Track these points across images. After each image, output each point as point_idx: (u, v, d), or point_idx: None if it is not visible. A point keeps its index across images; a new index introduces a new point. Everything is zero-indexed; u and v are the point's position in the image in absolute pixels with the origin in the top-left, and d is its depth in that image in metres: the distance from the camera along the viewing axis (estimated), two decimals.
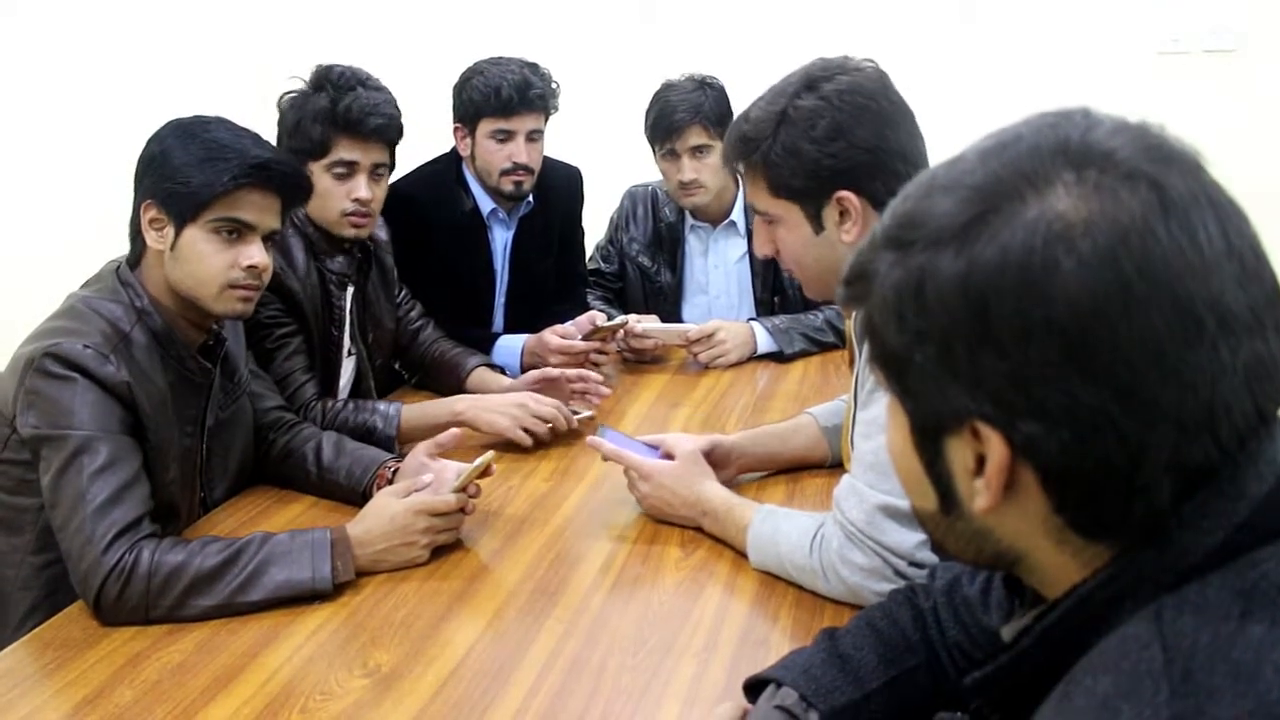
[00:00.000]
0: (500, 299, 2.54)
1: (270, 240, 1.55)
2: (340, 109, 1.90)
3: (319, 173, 1.93)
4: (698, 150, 2.43)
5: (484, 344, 2.35)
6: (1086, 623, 0.62)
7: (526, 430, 1.88)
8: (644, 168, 2.66)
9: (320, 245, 1.98)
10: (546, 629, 1.30)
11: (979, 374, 0.59)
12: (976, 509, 0.64)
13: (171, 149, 1.49)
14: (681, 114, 2.40)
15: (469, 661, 1.24)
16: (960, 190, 0.61)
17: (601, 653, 1.24)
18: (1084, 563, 0.63)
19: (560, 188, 2.56)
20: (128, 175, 1.55)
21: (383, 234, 2.20)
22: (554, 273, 2.60)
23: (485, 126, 2.32)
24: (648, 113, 2.47)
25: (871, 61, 1.34)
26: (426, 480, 1.53)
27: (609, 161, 3.47)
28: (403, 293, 2.29)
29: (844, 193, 1.29)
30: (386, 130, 1.96)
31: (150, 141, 1.53)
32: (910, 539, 1.22)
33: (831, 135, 1.27)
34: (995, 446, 0.60)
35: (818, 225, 1.32)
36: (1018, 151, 0.61)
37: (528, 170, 2.35)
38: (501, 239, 2.50)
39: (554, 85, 2.34)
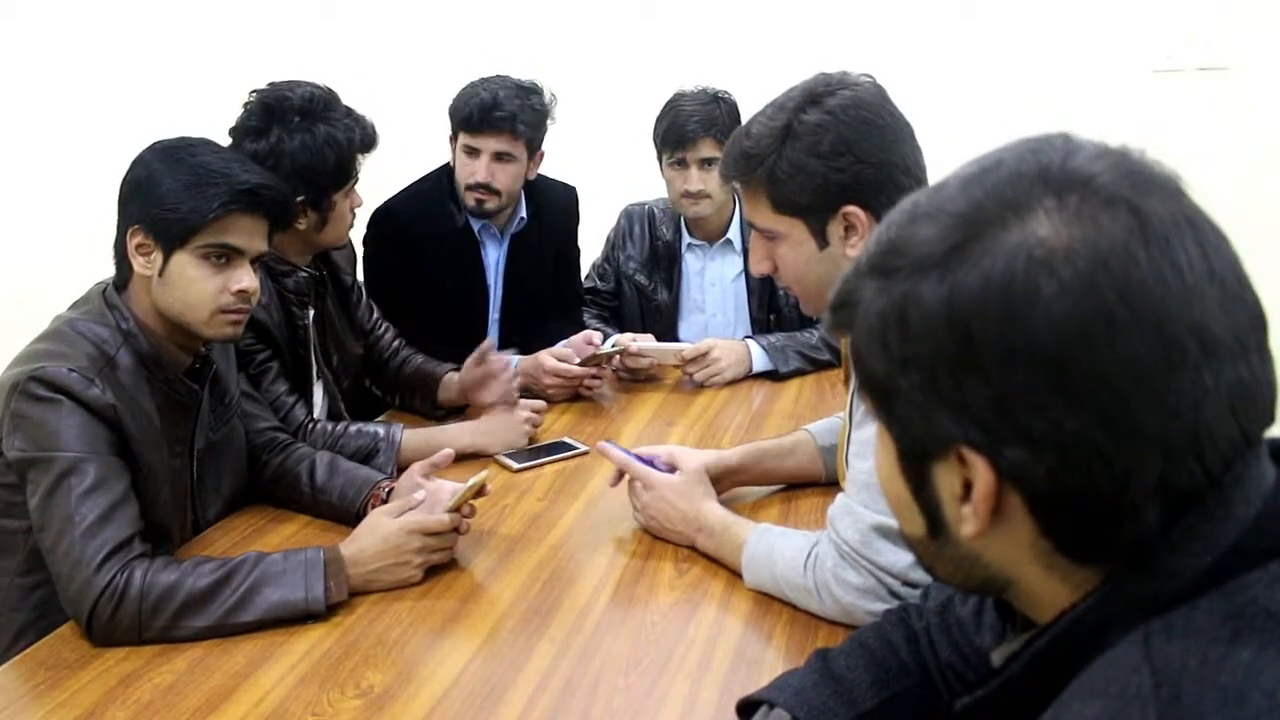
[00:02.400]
0: (494, 315, 2.55)
1: (257, 263, 1.55)
2: (369, 135, 1.92)
3: (340, 201, 1.94)
4: (707, 162, 2.44)
5: None
6: (1075, 647, 0.62)
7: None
8: (641, 168, 2.67)
9: (276, 266, 1.94)
10: (540, 649, 1.29)
11: (964, 400, 0.60)
12: (964, 534, 0.64)
13: (157, 174, 1.48)
14: (695, 125, 2.41)
15: (462, 682, 1.23)
16: (942, 217, 0.61)
17: (595, 672, 1.24)
18: (1073, 586, 0.63)
19: (556, 206, 2.57)
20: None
21: (340, 255, 2.18)
22: (550, 291, 2.60)
23: (460, 140, 2.38)
24: (659, 120, 2.48)
25: (869, 76, 1.34)
26: (419, 498, 1.53)
27: (606, 163, 3.50)
28: (374, 316, 2.27)
29: (850, 208, 1.28)
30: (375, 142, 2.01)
31: (134, 165, 1.52)
32: (904, 559, 1.22)
33: (838, 150, 1.27)
34: (981, 472, 0.61)
35: (822, 241, 1.32)
36: (999, 177, 0.61)
37: (488, 189, 2.36)
38: (493, 255, 2.51)
39: (534, 108, 2.34)
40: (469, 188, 2.38)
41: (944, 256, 0.60)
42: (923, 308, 0.60)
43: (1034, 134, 0.66)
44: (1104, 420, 0.57)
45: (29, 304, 2.75)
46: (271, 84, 1.92)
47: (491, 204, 2.40)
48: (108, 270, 1.57)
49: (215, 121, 2.07)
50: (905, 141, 1.31)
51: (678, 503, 1.53)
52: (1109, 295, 0.56)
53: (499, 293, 2.54)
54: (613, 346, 2.31)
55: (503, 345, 2.54)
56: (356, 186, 1.98)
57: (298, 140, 1.84)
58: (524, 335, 2.54)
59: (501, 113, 2.31)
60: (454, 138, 2.40)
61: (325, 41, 3.78)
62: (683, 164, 2.46)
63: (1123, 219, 0.58)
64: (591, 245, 2.79)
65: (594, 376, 2.27)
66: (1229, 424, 0.58)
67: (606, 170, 3.52)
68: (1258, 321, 0.60)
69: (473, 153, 2.35)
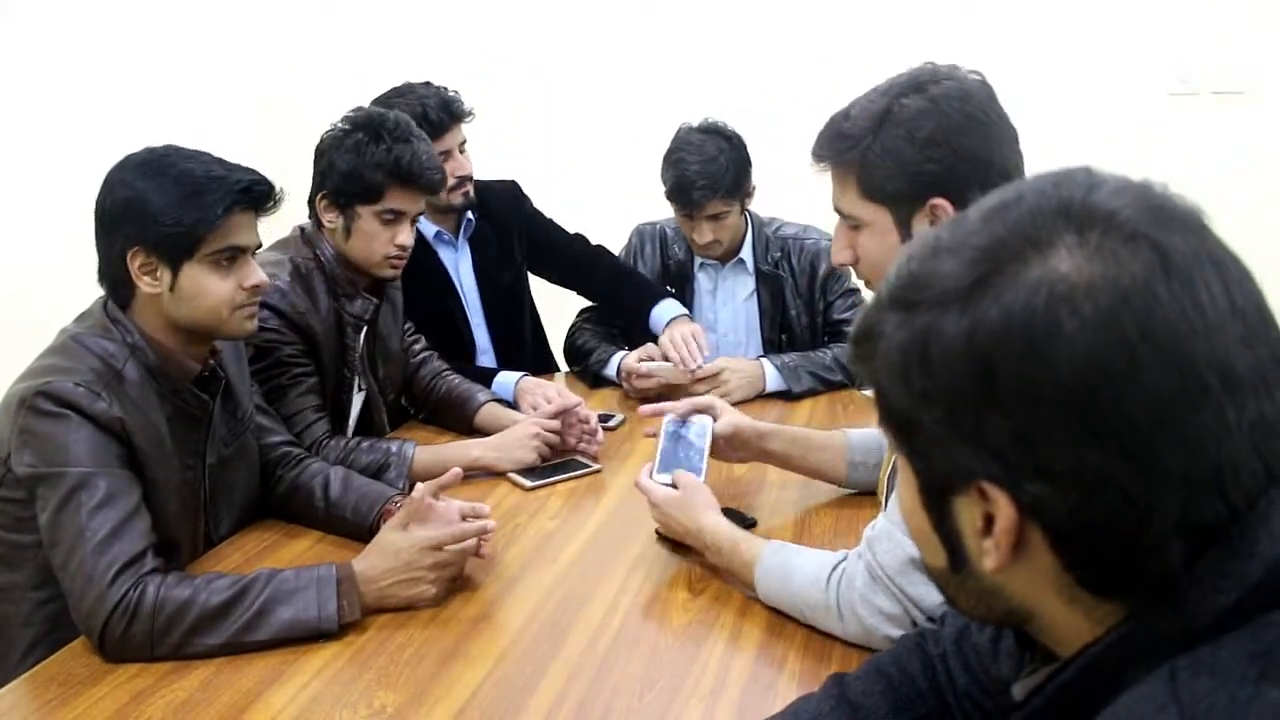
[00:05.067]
0: (476, 318, 2.59)
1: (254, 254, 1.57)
2: (403, 162, 1.93)
3: (367, 217, 1.96)
4: (715, 216, 2.46)
5: (483, 380, 2.34)
6: (1099, 682, 0.61)
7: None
8: (642, 164, 2.68)
9: (343, 287, 2.00)
10: (553, 670, 1.29)
11: (985, 435, 0.60)
12: (986, 568, 0.63)
13: (144, 192, 1.47)
14: (699, 191, 2.39)
15: (475, 702, 1.23)
16: (964, 251, 0.61)
17: (608, 695, 1.23)
18: (1095, 621, 0.63)
19: (500, 197, 2.63)
20: None
21: None
22: (559, 274, 2.69)
23: None
24: (665, 165, 2.46)
25: (979, 73, 1.29)
26: (419, 497, 1.49)
27: (607, 162, 3.50)
28: (407, 325, 2.31)
29: (938, 200, 1.24)
30: (437, 185, 2.03)
31: (113, 189, 1.49)
32: (936, 595, 1.19)
33: (935, 139, 1.23)
34: (1003, 507, 0.60)
35: (906, 233, 1.28)
36: (1020, 212, 0.61)
37: (470, 179, 2.47)
38: (451, 259, 2.55)
39: (458, 94, 2.46)
40: (453, 188, 2.42)
41: (965, 291, 0.60)
42: (944, 342, 0.60)
43: (1053, 164, 0.66)
44: (1125, 456, 0.57)
45: (20, 298, 2.78)
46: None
47: (471, 191, 2.48)
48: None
49: (212, 120, 2.07)
50: (1007, 144, 1.26)
51: (679, 516, 1.53)
52: (1130, 331, 0.56)
53: (476, 298, 2.58)
54: (617, 421, 2.28)
55: (498, 350, 2.60)
56: (406, 226, 1.98)
57: (337, 140, 1.95)
58: (513, 336, 2.62)
59: (457, 104, 2.41)
60: None
61: (324, 41, 3.81)
62: (690, 217, 2.48)
63: (1144, 255, 0.58)
64: (592, 220, 2.81)
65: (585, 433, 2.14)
66: (1252, 460, 0.58)
67: (607, 169, 3.55)
68: None
69: (444, 157, 2.38)
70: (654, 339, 2.44)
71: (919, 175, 1.25)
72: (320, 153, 1.99)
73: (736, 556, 1.44)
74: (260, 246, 1.59)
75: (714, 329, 2.65)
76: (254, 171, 1.55)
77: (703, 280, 2.66)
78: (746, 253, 2.59)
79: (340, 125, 1.99)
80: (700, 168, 2.39)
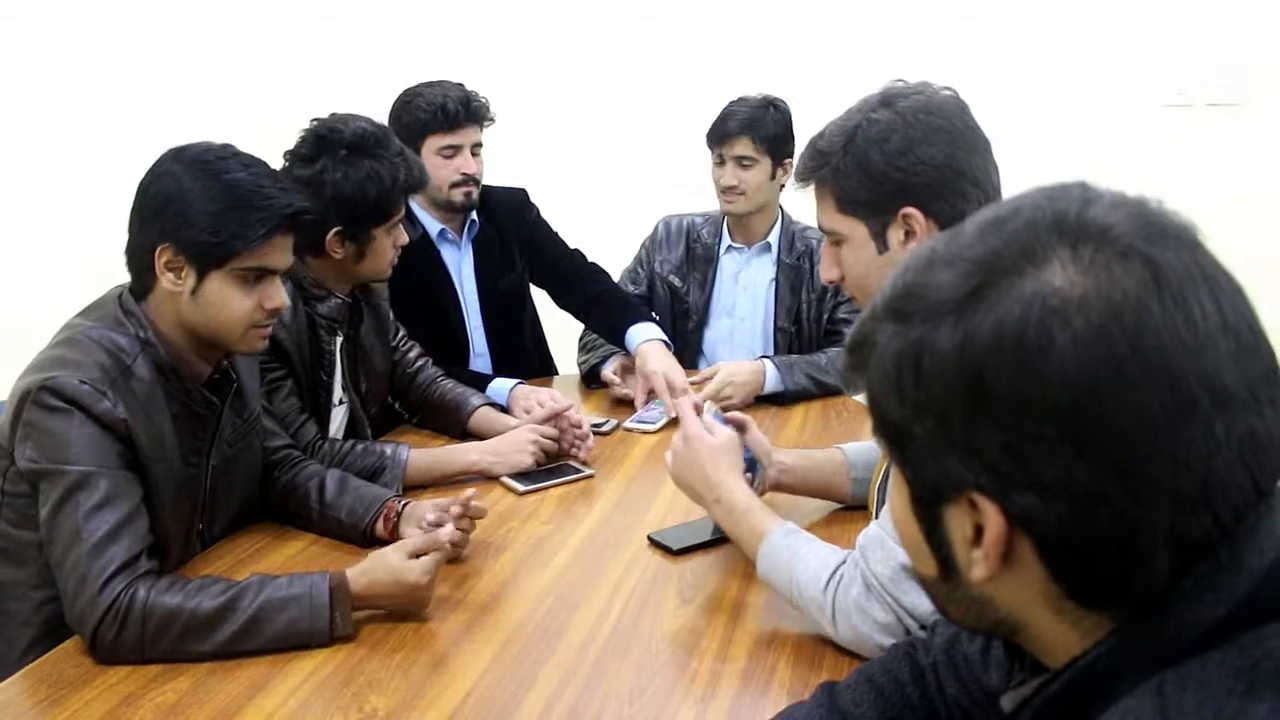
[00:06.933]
0: (474, 321, 2.59)
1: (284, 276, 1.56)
2: (414, 170, 1.94)
3: (381, 235, 1.94)
4: (742, 160, 2.54)
5: (477, 386, 2.33)
6: (1087, 694, 0.62)
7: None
8: (644, 164, 2.69)
9: (311, 290, 1.96)
10: (545, 674, 1.29)
11: (975, 446, 0.60)
12: (975, 578, 0.64)
13: (189, 191, 1.44)
14: (735, 123, 2.53)
15: (467, 707, 1.23)
16: (959, 263, 0.62)
17: (600, 700, 1.23)
18: (1084, 633, 0.63)
19: (506, 206, 2.64)
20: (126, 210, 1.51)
21: (379, 284, 2.18)
22: (550, 285, 2.68)
23: (432, 144, 2.41)
24: (712, 124, 2.60)
25: (951, 89, 1.34)
26: (436, 524, 1.50)
27: (606, 155, 3.52)
28: (399, 334, 2.30)
29: (910, 209, 1.28)
30: (423, 183, 2.04)
31: (160, 177, 1.46)
32: (930, 604, 1.19)
33: (902, 149, 1.28)
34: (992, 518, 0.61)
35: (882, 244, 1.32)
36: (1015, 226, 0.62)
37: (475, 181, 2.47)
38: (454, 259, 2.56)
39: (486, 100, 2.47)
40: (455, 184, 2.44)
41: (959, 303, 0.60)
42: (937, 353, 0.60)
43: (1050, 177, 0.66)
44: (1114, 470, 0.57)
45: (20, 298, 2.78)
46: (332, 115, 1.95)
47: (476, 193, 2.49)
48: (104, 268, 1.55)
49: (213, 120, 2.05)
50: (977, 153, 1.31)
51: (705, 465, 1.48)
52: (1121, 346, 0.57)
53: (476, 299, 2.58)
54: (610, 426, 2.28)
55: (494, 353, 2.60)
56: (401, 227, 1.98)
57: (340, 172, 1.87)
58: (511, 338, 2.62)
59: (478, 103, 2.43)
60: (415, 147, 2.35)
61: (325, 42, 3.81)
62: (722, 160, 2.57)
63: (1136, 271, 0.58)
64: (594, 243, 2.81)
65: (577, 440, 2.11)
66: (1240, 475, 0.58)
67: (606, 170, 3.55)
68: (1271, 374, 0.60)
69: (455, 151, 2.41)
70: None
71: (886, 184, 1.29)
72: (314, 189, 1.81)
73: (746, 522, 1.42)
74: (289, 268, 1.56)
75: (731, 314, 2.72)
76: (305, 200, 1.52)
77: (727, 264, 2.72)
78: (774, 238, 2.68)
79: (323, 158, 1.87)
80: (743, 110, 2.55)
